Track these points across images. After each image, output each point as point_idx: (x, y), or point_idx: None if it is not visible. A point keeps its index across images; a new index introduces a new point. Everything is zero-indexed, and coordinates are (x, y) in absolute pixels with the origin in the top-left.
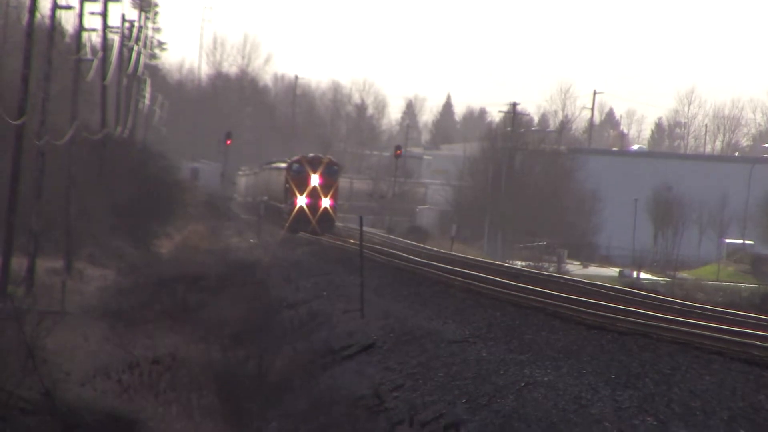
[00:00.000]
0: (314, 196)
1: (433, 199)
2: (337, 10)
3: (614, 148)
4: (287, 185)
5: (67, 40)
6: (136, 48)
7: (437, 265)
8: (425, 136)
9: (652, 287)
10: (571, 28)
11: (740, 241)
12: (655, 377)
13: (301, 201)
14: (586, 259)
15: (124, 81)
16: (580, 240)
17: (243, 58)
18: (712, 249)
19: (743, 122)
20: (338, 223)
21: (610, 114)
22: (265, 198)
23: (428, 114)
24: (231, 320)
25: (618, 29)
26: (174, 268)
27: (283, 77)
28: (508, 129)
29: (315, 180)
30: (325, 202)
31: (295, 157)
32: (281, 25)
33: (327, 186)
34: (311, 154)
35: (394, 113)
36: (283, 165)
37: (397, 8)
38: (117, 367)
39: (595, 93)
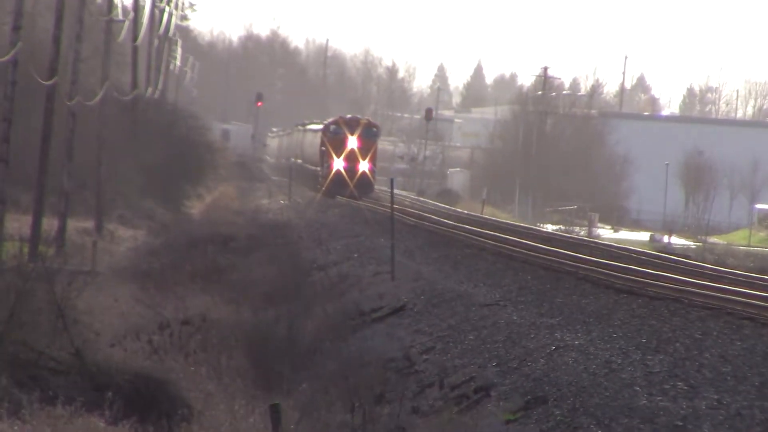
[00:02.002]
0: (352, 159)
1: (463, 162)
2: None
3: (645, 113)
4: (323, 147)
5: (99, 0)
6: (167, 9)
7: (468, 228)
8: (456, 100)
9: (683, 252)
10: None
11: None
12: (686, 342)
13: (338, 164)
14: (617, 224)
15: (156, 42)
16: (611, 204)
17: (274, 20)
18: (743, 214)
19: None
20: None
21: (642, 79)
22: (299, 161)
23: (459, 79)
24: (261, 281)
25: None
26: (205, 229)
27: (314, 41)
28: (540, 92)
29: (353, 142)
30: (364, 166)
31: (332, 119)
32: None
33: (365, 149)
34: (349, 115)
35: (426, 78)
36: (319, 126)
37: None
38: (147, 328)
39: (626, 58)
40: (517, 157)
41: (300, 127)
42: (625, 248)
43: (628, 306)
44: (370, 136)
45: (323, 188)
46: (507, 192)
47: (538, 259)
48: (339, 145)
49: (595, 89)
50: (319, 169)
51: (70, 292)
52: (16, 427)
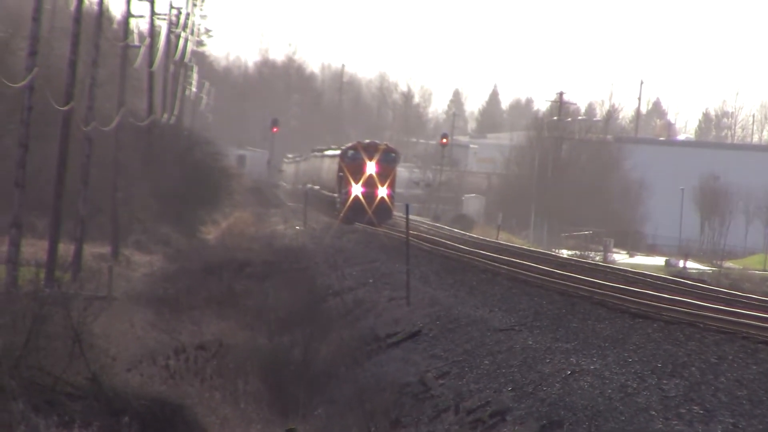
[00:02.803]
0: (370, 184)
1: (479, 187)
2: (382, 5)
3: (661, 138)
4: (341, 173)
5: (115, 26)
6: (183, 35)
7: (483, 254)
8: (471, 125)
9: (698, 276)
10: (619, 18)
11: None
12: (701, 366)
13: (356, 190)
14: (633, 248)
15: (171, 68)
16: (627, 229)
17: (290, 45)
18: (758, 239)
19: None
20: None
21: (657, 104)
22: (316, 187)
23: (474, 104)
24: (277, 307)
25: (666, 20)
26: (220, 254)
27: (329, 66)
28: (555, 118)
29: (371, 168)
30: (382, 191)
31: (350, 144)
32: (329, 19)
33: (384, 174)
34: (367, 140)
35: (441, 103)
36: (337, 151)
37: (442, 3)
38: (163, 353)
39: (642, 83)
40: (532, 183)
41: (317, 153)
42: (640, 273)
43: (643, 330)
44: (388, 161)
45: (341, 214)
46: (522, 217)
47: (553, 284)
48: (357, 171)
49: (611, 114)
50: (336, 195)
51: (86, 317)
52: None
